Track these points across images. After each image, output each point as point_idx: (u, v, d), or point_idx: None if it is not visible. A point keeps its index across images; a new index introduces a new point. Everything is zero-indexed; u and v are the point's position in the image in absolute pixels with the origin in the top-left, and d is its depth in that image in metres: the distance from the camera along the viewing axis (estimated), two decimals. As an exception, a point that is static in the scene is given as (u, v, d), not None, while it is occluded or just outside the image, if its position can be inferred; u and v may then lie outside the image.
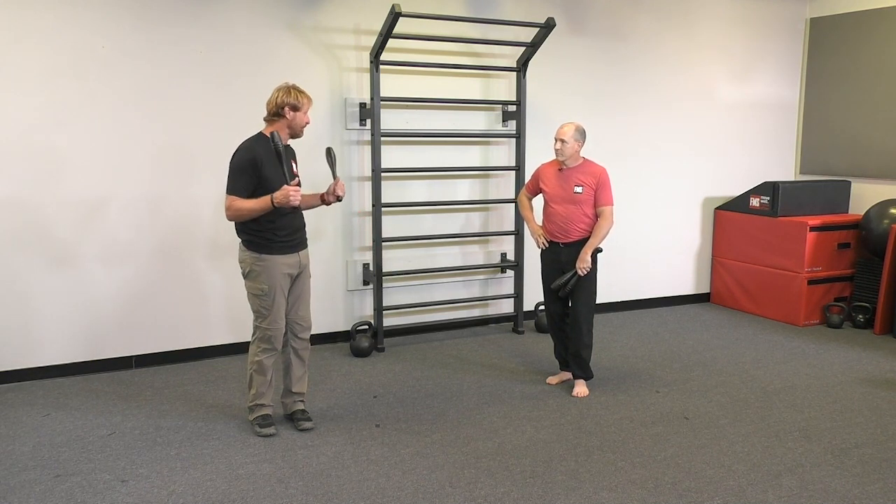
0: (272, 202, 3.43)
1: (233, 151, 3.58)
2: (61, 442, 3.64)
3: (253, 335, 3.72)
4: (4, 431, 3.76)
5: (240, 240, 3.65)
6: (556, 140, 4.19)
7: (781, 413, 4.08)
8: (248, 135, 3.66)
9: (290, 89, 3.56)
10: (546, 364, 4.83)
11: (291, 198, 3.43)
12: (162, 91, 4.60)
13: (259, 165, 3.48)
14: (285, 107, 3.53)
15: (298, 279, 3.74)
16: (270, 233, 3.57)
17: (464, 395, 4.31)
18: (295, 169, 3.67)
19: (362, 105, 5.09)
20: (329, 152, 3.78)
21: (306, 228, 3.78)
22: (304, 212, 3.76)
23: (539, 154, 5.34)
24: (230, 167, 3.52)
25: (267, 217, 3.53)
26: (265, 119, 3.62)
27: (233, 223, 3.65)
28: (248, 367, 3.75)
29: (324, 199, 3.79)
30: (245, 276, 3.65)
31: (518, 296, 5.63)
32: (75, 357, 4.59)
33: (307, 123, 3.65)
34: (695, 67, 6.32)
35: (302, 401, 3.89)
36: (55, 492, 3.15)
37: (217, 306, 4.91)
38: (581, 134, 4.19)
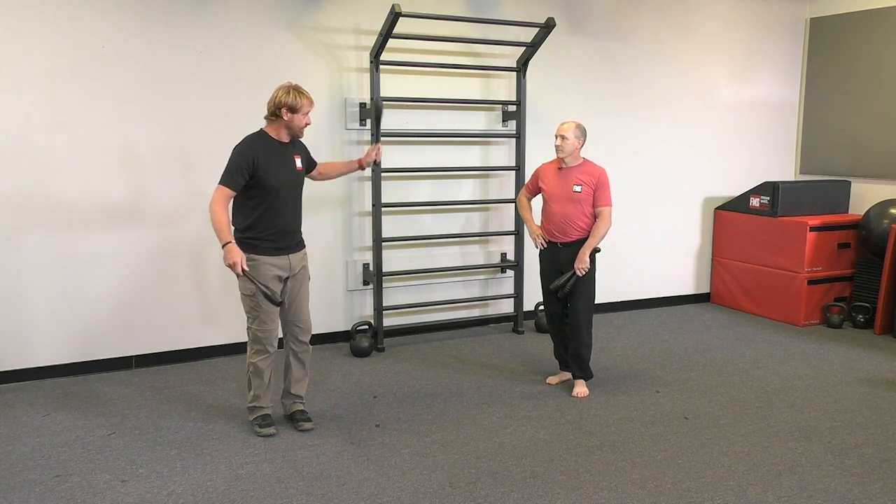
0: (222, 245, 3.41)
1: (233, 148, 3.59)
2: (61, 442, 3.64)
3: (247, 336, 3.72)
4: (4, 431, 3.76)
5: None
6: (556, 136, 4.19)
7: (781, 413, 4.08)
8: (248, 135, 3.68)
9: (291, 90, 3.51)
10: (546, 364, 4.83)
11: (234, 265, 3.41)
12: (162, 91, 4.60)
13: (255, 163, 3.48)
14: (283, 108, 3.50)
15: (292, 282, 3.70)
16: (258, 234, 3.55)
17: (464, 395, 4.31)
18: (299, 165, 3.67)
19: (362, 105, 5.09)
20: (377, 109, 3.79)
21: (303, 229, 3.77)
22: (303, 211, 3.76)
23: (539, 154, 5.34)
24: (229, 159, 3.51)
25: (257, 220, 3.54)
26: (265, 118, 3.61)
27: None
28: (245, 368, 3.76)
29: (361, 165, 4.03)
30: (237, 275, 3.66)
31: (518, 296, 5.63)
32: (75, 357, 4.59)
33: (307, 125, 3.61)
34: (695, 67, 6.32)
35: (301, 402, 3.89)
36: (55, 492, 3.15)
37: (217, 306, 4.91)
38: (582, 132, 4.20)
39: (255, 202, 3.54)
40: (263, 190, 3.51)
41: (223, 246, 3.42)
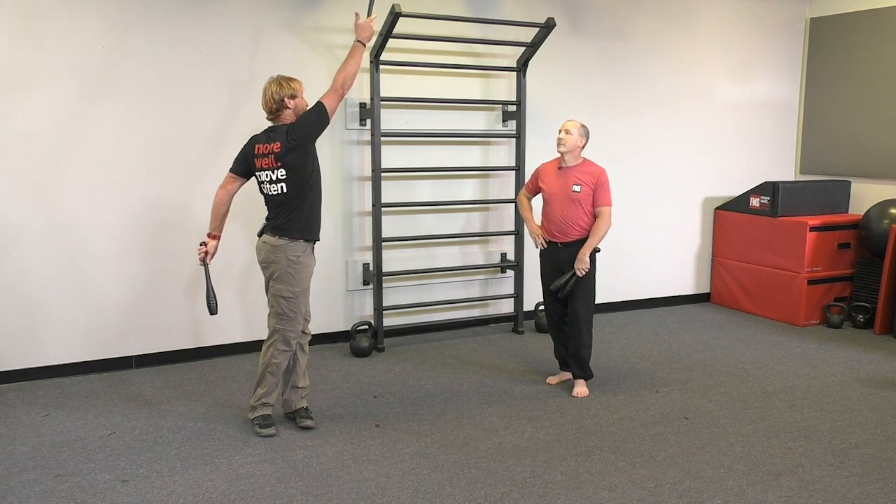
0: (361, 43, 3.76)
1: (240, 149, 3.75)
2: (61, 442, 3.64)
3: (270, 337, 3.69)
4: (4, 431, 3.76)
5: (269, 238, 3.62)
6: (560, 131, 4.19)
7: (781, 413, 4.08)
8: (248, 136, 3.71)
9: (281, 81, 3.60)
10: (546, 364, 4.83)
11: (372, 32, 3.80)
12: (162, 91, 4.59)
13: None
14: (284, 98, 3.58)
15: None
16: (318, 215, 3.71)
17: (464, 395, 4.31)
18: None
19: (362, 105, 5.09)
20: None
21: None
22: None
23: (539, 154, 5.34)
24: (309, 116, 3.60)
25: (317, 202, 3.70)
26: (269, 118, 3.63)
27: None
28: (260, 367, 3.72)
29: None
30: (273, 277, 3.62)
31: (518, 296, 5.62)
32: (75, 357, 4.59)
33: (307, 106, 3.69)
34: (695, 67, 6.32)
35: (305, 396, 3.89)
36: (55, 492, 3.15)
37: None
38: (585, 133, 4.21)
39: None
40: (317, 171, 3.77)
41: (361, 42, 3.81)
